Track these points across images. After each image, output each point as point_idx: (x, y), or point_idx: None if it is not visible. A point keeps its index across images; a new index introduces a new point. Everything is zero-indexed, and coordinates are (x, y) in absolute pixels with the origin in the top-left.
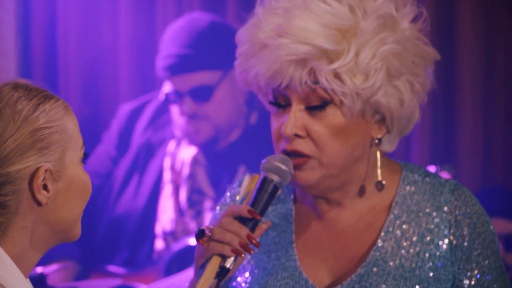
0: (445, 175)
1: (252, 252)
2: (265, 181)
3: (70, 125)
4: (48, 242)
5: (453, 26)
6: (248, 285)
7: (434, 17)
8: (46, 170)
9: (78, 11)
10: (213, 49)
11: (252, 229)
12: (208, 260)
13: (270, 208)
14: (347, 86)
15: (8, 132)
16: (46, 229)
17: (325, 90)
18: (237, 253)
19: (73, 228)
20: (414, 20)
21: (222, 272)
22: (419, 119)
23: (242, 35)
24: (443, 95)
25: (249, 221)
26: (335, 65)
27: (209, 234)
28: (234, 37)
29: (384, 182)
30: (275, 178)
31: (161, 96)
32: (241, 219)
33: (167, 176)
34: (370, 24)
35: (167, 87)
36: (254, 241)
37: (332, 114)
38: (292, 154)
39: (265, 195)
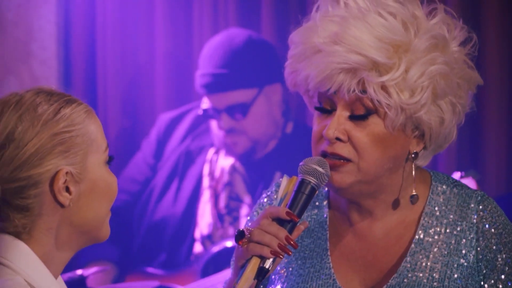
0: (469, 181)
1: (290, 253)
2: (302, 183)
3: (92, 128)
4: (75, 243)
5: (478, 32)
6: None
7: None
8: (67, 173)
9: (117, 22)
10: (249, 66)
11: (290, 231)
12: (247, 261)
13: (306, 214)
14: (393, 100)
15: (28, 136)
16: (72, 230)
17: (371, 100)
18: (275, 255)
19: (100, 228)
20: (463, 43)
21: (261, 273)
22: (456, 139)
23: (296, 37)
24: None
25: (287, 223)
26: (384, 78)
27: (249, 235)
28: (270, 53)
29: (417, 194)
30: (312, 180)
31: (200, 111)
32: (279, 221)
33: (206, 182)
34: (423, 43)
35: (205, 103)
36: (292, 243)
37: (374, 124)
38: (331, 156)
39: (302, 197)
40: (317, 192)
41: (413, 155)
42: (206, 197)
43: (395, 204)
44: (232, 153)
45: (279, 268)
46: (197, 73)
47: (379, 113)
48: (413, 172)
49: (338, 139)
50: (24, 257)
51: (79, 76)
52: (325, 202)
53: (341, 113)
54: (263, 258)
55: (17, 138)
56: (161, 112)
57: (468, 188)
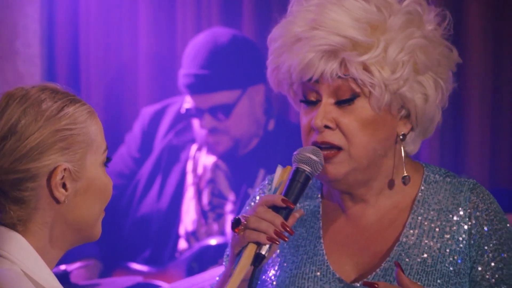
0: None
1: (286, 239)
2: (297, 171)
3: (93, 129)
4: (68, 241)
5: (461, 29)
6: (277, 278)
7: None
8: (65, 169)
9: (100, 20)
10: (232, 67)
11: (286, 218)
12: (243, 248)
13: (298, 205)
14: (375, 78)
15: (30, 130)
16: (66, 227)
17: (354, 82)
18: (272, 241)
19: (93, 228)
20: (439, 25)
21: (258, 259)
22: (441, 122)
23: (275, 33)
24: (451, 99)
25: (283, 210)
26: (365, 57)
27: (245, 222)
28: (254, 52)
29: (409, 175)
30: (306, 168)
31: (182, 110)
32: (275, 208)
33: (189, 179)
34: (399, 19)
35: (187, 103)
36: (288, 229)
37: (361, 107)
38: (322, 145)
39: (297, 185)
40: (311, 180)
41: (401, 137)
42: (190, 193)
43: (391, 185)
44: (214, 152)
45: (273, 256)
46: (180, 73)
47: (364, 94)
48: (403, 153)
49: (327, 127)
50: (20, 248)
51: (63, 73)
52: (317, 193)
53: (327, 101)
54: (259, 245)
55: (19, 131)
56: (144, 104)
57: (460, 177)
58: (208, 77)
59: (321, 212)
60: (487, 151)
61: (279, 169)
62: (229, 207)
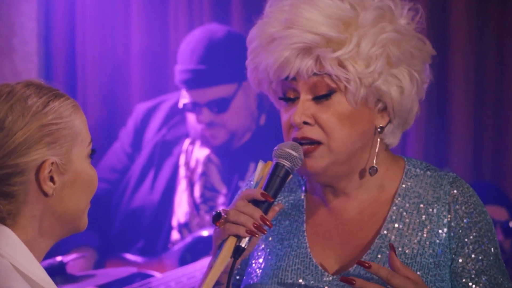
0: None
1: (265, 232)
2: (277, 166)
3: (78, 123)
4: (56, 233)
5: (445, 27)
6: (262, 270)
7: (427, 18)
8: (52, 163)
9: (95, 19)
10: (228, 62)
11: (266, 211)
12: (224, 240)
13: (284, 199)
14: (350, 73)
15: (17, 126)
16: (54, 219)
17: (330, 78)
18: (251, 234)
19: (80, 219)
20: (412, 19)
21: (238, 252)
22: (419, 113)
23: (252, 34)
24: (436, 97)
25: (262, 204)
26: (339, 53)
27: (225, 216)
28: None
29: (376, 167)
30: (286, 163)
31: (180, 105)
32: (255, 202)
33: (182, 172)
34: (370, 14)
35: (185, 98)
36: (267, 222)
37: (338, 102)
38: (302, 141)
39: (277, 180)
40: (291, 175)
41: (379, 129)
42: (182, 186)
43: (361, 175)
44: (208, 145)
45: (260, 248)
46: (177, 69)
47: (340, 89)
48: (377, 147)
49: (305, 123)
50: (9, 241)
51: (59, 70)
52: (302, 187)
53: (305, 98)
54: (239, 238)
55: (6, 127)
56: (138, 101)
57: (441, 170)
58: (205, 72)
59: (305, 206)
60: (471, 144)
61: (260, 164)
62: (221, 199)
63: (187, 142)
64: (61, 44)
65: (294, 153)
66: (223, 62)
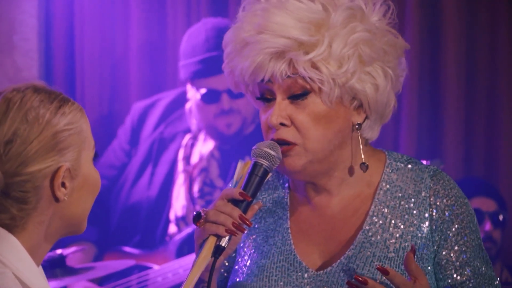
0: None
1: (244, 231)
2: (255, 165)
3: (85, 127)
4: (58, 235)
5: (438, 20)
6: (247, 268)
7: (419, 16)
8: (66, 169)
9: (94, 17)
10: None
11: (245, 210)
12: (205, 240)
13: (268, 197)
14: (323, 74)
15: (33, 134)
16: (61, 223)
17: (304, 79)
18: (230, 233)
19: (84, 221)
20: (384, 15)
21: (218, 251)
22: (396, 106)
23: (226, 39)
24: (429, 93)
25: (241, 203)
26: (311, 55)
27: (205, 216)
28: None
29: (367, 163)
30: (264, 162)
31: (197, 96)
32: (234, 201)
33: (180, 166)
34: (340, 15)
35: (203, 89)
36: (246, 221)
37: (313, 103)
38: (279, 142)
39: (256, 179)
40: (270, 174)
41: (356, 126)
42: (180, 180)
43: (351, 173)
44: (219, 137)
45: (246, 246)
46: (187, 62)
47: (314, 90)
48: (360, 141)
49: (282, 124)
50: (13, 250)
51: (59, 67)
52: (285, 184)
53: (280, 99)
54: (219, 237)
55: (22, 135)
56: (136, 101)
57: (422, 163)
58: (221, 58)
59: (288, 203)
60: (463, 138)
61: (240, 164)
62: (217, 194)
63: (187, 137)
64: (61, 41)
65: (272, 152)
66: None
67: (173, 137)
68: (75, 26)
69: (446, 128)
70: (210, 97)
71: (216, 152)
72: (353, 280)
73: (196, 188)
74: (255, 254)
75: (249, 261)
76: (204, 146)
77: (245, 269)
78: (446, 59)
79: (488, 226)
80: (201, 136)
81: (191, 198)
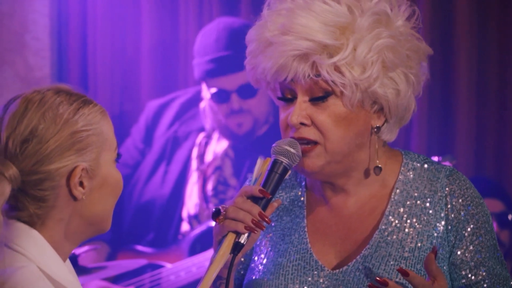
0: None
1: (263, 228)
2: (275, 163)
3: (106, 128)
4: (82, 235)
5: (449, 23)
6: (263, 266)
7: (431, 15)
8: (82, 169)
9: (106, 16)
10: None
11: (264, 208)
12: (224, 237)
13: (285, 195)
14: (346, 78)
15: (50, 133)
16: (81, 222)
17: (326, 82)
18: (250, 230)
19: (106, 221)
20: (408, 19)
21: (237, 248)
22: (416, 110)
23: (250, 36)
24: (440, 91)
25: (261, 200)
26: (335, 59)
27: (224, 213)
28: None
29: (381, 166)
30: (284, 160)
31: (207, 95)
32: (253, 199)
33: (194, 165)
34: (366, 20)
35: (213, 88)
36: (266, 219)
37: (334, 104)
38: (298, 141)
39: (275, 176)
40: (289, 171)
41: (375, 129)
42: (194, 178)
43: (367, 175)
44: (231, 136)
45: (262, 244)
46: (199, 61)
47: (336, 93)
48: (376, 145)
49: (302, 124)
50: (37, 244)
51: (71, 66)
52: (302, 184)
53: (302, 99)
54: (238, 234)
55: (39, 134)
56: (149, 100)
57: (438, 163)
58: (233, 58)
59: (305, 202)
60: (474, 138)
61: (259, 161)
62: (231, 193)
63: (201, 135)
64: (73, 40)
65: (292, 150)
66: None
67: (187, 135)
68: (88, 25)
69: (457, 127)
70: (220, 97)
71: (230, 151)
72: (374, 282)
73: (210, 186)
74: (271, 253)
75: (265, 259)
76: (218, 145)
77: (261, 267)
78: (458, 57)
79: (495, 228)
80: (215, 135)
81: (204, 197)
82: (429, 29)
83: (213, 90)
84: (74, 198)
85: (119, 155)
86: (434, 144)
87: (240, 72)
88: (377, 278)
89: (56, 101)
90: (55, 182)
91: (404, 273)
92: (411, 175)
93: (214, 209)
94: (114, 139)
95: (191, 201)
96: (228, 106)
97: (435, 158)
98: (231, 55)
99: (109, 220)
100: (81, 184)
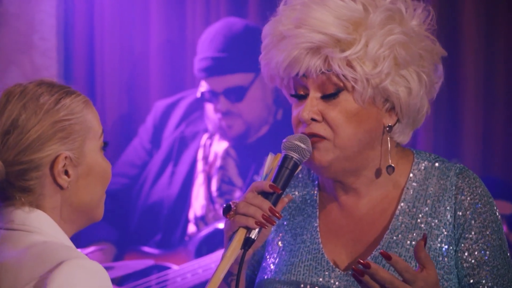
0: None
1: (274, 223)
2: (285, 158)
3: (90, 117)
4: (76, 222)
5: (456, 24)
6: (275, 265)
7: (438, 16)
8: (66, 157)
9: (114, 17)
10: (246, 52)
11: (275, 203)
12: (234, 232)
13: (298, 194)
14: (357, 73)
15: (31, 124)
16: (72, 210)
17: (338, 77)
18: (260, 225)
19: (96, 209)
20: (423, 21)
21: (248, 243)
22: (429, 112)
23: (265, 31)
24: (447, 93)
25: (271, 195)
26: (347, 53)
27: (235, 208)
28: None
29: (393, 166)
30: (294, 155)
31: (198, 94)
32: (264, 194)
33: (200, 166)
34: (378, 16)
35: (203, 87)
36: (276, 214)
37: (345, 100)
38: (309, 137)
39: (286, 172)
40: (300, 167)
41: (387, 128)
42: (200, 180)
43: (379, 174)
44: (226, 137)
45: (274, 243)
46: (197, 58)
47: (347, 89)
48: (389, 145)
49: (313, 119)
50: (43, 221)
51: (78, 66)
52: (315, 183)
53: (313, 95)
54: (249, 229)
55: (20, 125)
56: (156, 100)
57: (449, 162)
58: (224, 60)
59: (317, 202)
60: (481, 139)
61: (270, 157)
62: (237, 193)
63: (205, 136)
64: (80, 40)
65: (302, 145)
66: (241, 52)
67: (194, 136)
68: (95, 26)
69: (464, 129)
70: (208, 97)
71: (231, 150)
72: (359, 266)
73: (214, 187)
74: (283, 252)
75: (277, 259)
76: (219, 145)
77: (273, 266)
78: (465, 59)
79: (504, 229)
80: (217, 135)
81: (210, 198)
82: (435, 31)
83: (202, 89)
84: (61, 187)
85: (105, 143)
86: (441, 146)
87: (228, 74)
88: (360, 260)
89: (37, 92)
90: (39, 172)
91: (387, 257)
92: (422, 175)
93: (224, 205)
94: (99, 127)
95: (198, 203)
96: (216, 107)
97: None
98: (222, 57)
99: (99, 208)
100: (66, 173)
